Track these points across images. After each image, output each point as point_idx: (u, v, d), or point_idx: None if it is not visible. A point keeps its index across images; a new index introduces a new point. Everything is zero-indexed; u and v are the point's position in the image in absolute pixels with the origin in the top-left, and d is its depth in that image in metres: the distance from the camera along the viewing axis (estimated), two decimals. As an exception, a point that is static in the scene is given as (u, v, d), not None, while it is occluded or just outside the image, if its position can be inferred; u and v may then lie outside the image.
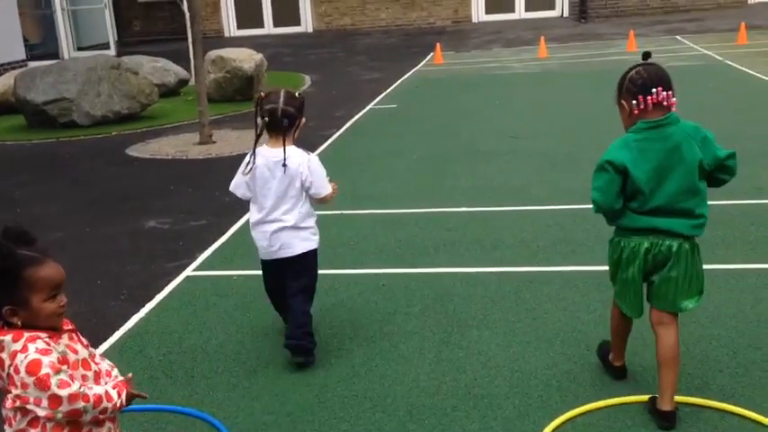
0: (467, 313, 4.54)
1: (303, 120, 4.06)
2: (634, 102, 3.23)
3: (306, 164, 3.98)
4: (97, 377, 2.43)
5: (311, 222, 4.09)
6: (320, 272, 4.28)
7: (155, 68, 13.83)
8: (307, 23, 23.64)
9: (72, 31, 21.25)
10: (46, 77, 11.54)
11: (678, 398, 3.41)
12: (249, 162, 4.00)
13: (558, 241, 5.55)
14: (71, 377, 2.31)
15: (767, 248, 5.22)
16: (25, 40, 18.98)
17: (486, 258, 5.38)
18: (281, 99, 3.93)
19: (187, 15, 12.06)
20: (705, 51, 14.84)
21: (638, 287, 3.36)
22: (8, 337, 2.29)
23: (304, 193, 4.02)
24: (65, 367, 2.30)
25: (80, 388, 2.29)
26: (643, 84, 3.22)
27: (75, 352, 2.39)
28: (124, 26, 24.25)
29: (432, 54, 17.03)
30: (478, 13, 23.03)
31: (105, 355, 4.24)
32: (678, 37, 17.32)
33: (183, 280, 5.40)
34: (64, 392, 2.26)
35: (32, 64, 15.11)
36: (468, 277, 5.08)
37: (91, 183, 8.47)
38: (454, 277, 5.09)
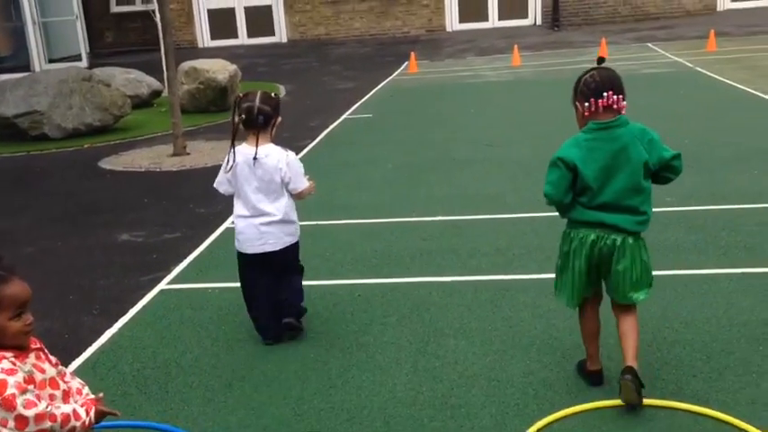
0: (443, 322, 4.54)
1: (279, 119, 4.27)
2: (586, 104, 3.45)
3: (284, 160, 4.19)
4: (66, 396, 2.40)
5: (295, 217, 4.33)
6: None
7: (127, 80, 13.73)
8: (281, 33, 23.60)
9: (43, 43, 21.05)
10: (16, 90, 11.41)
11: (653, 401, 3.45)
12: (229, 160, 4.24)
13: (533, 249, 5.57)
14: (38, 397, 2.28)
15: (739, 253, 5.27)
16: (-5, 53, 18.81)
17: (461, 267, 5.38)
18: (258, 98, 4.15)
19: (159, 26, 12.00)
20: (676, 58, 15.00)
21: (583, 277, 3.56)
22: None
23: (284, 188, 4.24)
24: (31, 387, 2.27)
25: (47, 407, 2.26)
26: (595, 87, 3.44)
27: (43, 371, 2.36)
28: (96, 37, 24.06)
29: (406, 63, 17.08)
30: (452, 22, 23.12)
31: (78, 371, 4.21)
32: (649, 44, 17.50)
33: (158, 293, 5.35)
34: (30, 413, 2.23)
35: (2, 77, 14.93)
36: (444, 286, 5.08)
37: (63, 196, 8.38)
38: (430, 287, 5.09)
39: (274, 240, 4.25)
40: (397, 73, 16.29)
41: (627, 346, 3.54)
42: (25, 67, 19.28)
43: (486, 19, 22.97)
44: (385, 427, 3.51)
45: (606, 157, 3.43)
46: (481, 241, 5.86)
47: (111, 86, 12.06)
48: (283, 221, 4.25)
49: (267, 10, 23.56)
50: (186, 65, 12.90)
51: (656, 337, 4.17)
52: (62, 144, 11.02)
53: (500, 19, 22.88)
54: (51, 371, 2.40)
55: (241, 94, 4.26)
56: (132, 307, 5.12)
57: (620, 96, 3.44)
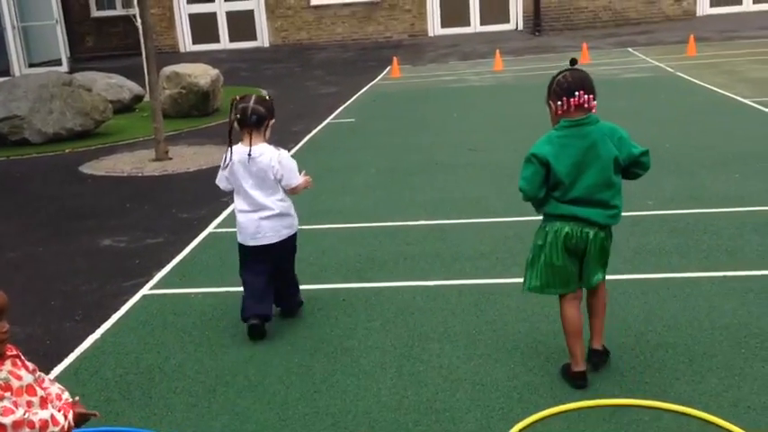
0: (427, 327, 4.54)
1: (273, 120, 4.52)
2: (559, 102, 3.63)
3: (276, 158, 4.43)
4: (44, 402, 2.39)
5: (291, 210, 4.57)
6: None
7: (109, 85, 13.65)
8: (263, 38, 23.57)
9: (23, 47, 20.90)
10: (-4, 95, 11.33)
11: (640, 401, 3.48)
12: (226, 158, 4.51)
13: (516, 253, 5.59)
14: (15, 404, 2.26)
15: (720, 257, 5.31)
16: (-26, 58, 18.66)
17: (445, 271, 5.39)
18: (252, 100, 4.46)
19: (141, 31, 11.96)
20: (656, 63, 15.12)
21: (563, 267, 3.72)
22: None
23: (278, 185, 4.47)
24: (8, 394, 2.26)
25: (24, 414, 2.25)
26: (568, 87, 3.61)
27: (20, 378, 2.34)
28: (77, 42, 23.92)
29: (389, 68, 17.10)
30: (434, 26, 23.19)
31: (60, 377, 4.18)
32: (630, 49, 17.63)
33: (140, 299, 5.32)
34: (7, 420, 2.22)
35: (-18, 81, 14.82)
36: (428, 290, 5.08)
37: (44, 201, 8.32)
38: (414, 291, 5.09)
39: (272, 233, 4.49)
40: (379, 78, 16.32)
41: (596, 327, 3.88)
42: (5, 71, 19.15)
43: (468, 24, 23.06)
44: (370, 432, 3.51)
45: (577, 153, 3.60)
46: (465, 245, 5.87)
47: (93, 91, 11.98)
48: (281, 215, 4.49)
49: (249, 15, 23.53)
50: (168, 69, 12.85)
51: (639, 340, 4.19)
52: (43, 149, 10.94)
53: (482, 24, 22.98)
54: (28, 377, 2.38)
55: (238, 97, 4.51)
56: (115, 312, 5.09)
57: (591, 96, 3.61)
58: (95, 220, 7.39)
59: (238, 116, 4.43)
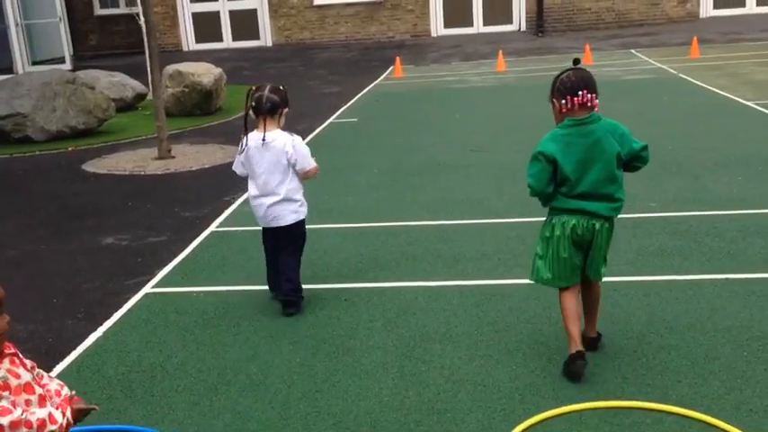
0: (429, 327, 4.54)
1: (287, 109, 4.75)
2: (563, 101, 3.77)
3: (290, 143, 4.66)
4: (42, 400, 2.38)
5: (299, 196, 4.80)
6: None
7: (111, 83, 13.66)
8: (266, 37, 23.57)
9: (26, 45, 20.92)
10: (-1, 92, 11.34)
11: (642, 403, 3.47)
12: (242, 144, 4.75)
13: (519, 254, 5.59)
14: (13, 403, 2.26)
15: (722, 259, 5.31)
16: (-23, 55, 18.67)
17: (447, 272, 5.39)
18: (267, 89, 4.69)
19: (144, 29, 11.96)
20: (659, 65, 15.11)
21: (569, 259, 3.85)
22: None
23: (291, 170, 4.70)
24: (6, 393, 2.25)
25: (22, 414, 2.25)
26: (571, 86, 3.75)
27: (18, 376, 2.34)
28: (80, 40, 23.93)
29: (391, 68, 17.10)
30: (437, 27, 23.18)
31: (62, 374, 4.19)
32: (632, 50, 17.62)
33: (142, 297, 5.32)
34: (5, 420, 2.21)
35: (-15, 78, 14.83)
36: (429, 291, 5.09)
37: (46, 199, 8.33)
38: (416, 291, 5.09)
39: (281, 217, 4.76)
40: (382, 78, 16.31)
41: (591, 320, 4.07)
42: (8, 69, 19.16)
43: (470, 24, 23.05)
44: (371, 432, 3.51)
45: (582, 150, 3.74)
46: (467, 246, 5.87)
47: (96, 89, 11.99)
48: (288, 200, 4.74)
49: (252, 14, 23.54)
50: (171, 68, 12.85)
51: (641, 342, 4.19)
52: (45, 147, 10.94)
53: (485, 24, 22.97)
54: (27, 375, 2.38)
55: (254, 87, 4.75)
56: (117, 310, 5.09)
57: (594, 95, 3.75)
58: (98, 218, 7.40)
59: (253, 104, 4.67)
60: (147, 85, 13.71)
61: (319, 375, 4.06)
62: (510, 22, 22.98)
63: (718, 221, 6.05)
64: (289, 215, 4.78)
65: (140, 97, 14.17)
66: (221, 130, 11.79)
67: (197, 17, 23.74)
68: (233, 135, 11.19)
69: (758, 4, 22.19)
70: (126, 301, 5.24)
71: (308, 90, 15.38)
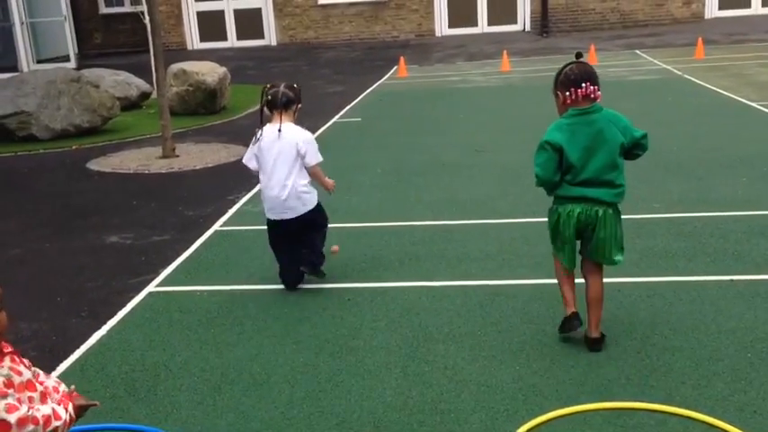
0: (433, 327, 4.54)
1: (300, 105, 5.04)
2: (567, 93, 3.97)
3: (302, 136, 4.95)
4: (43, 397, 2.39)
5: (307, 186, 5.02)
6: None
7: (116, 81, 13.68)
8: (270, 37, 23.58)
9: (31, 43, 20.95)
10: (4, 91, 11.34)
11: (646, 405, 3.47)
12: (257, 136, 5.00)
13: (522, 254, 5.58)
14: (18, 400, 2.26)
15: (727, 260, 5.29)
16: (-17, 53, 18.70)
17: (451, 272, 5.39)
18: (282, 86, 4.98)
19: (149, 28, 11.97)
20: (664, 65, 15.09)
21: (573, 245, 4.08)
22: None
23: (299, 164, 4.94)
24: (11, 391, 2.26)
25: (28, 411, 2.25)
26: (575, 78, 3.96)
27: (20, 374, 2.35)
28: (85, 39, 23.96)
29: (395, 67, 17.09)
30: (441, 26, 23.17)
31: (66, 373, 4.19)
32: (637, 51, 17.59)
33: (146, 296, 5.32)
34: (12, 417, 2.22)
35: (-10, 77, 14.84)
36: (433, 291, 5.08)
37: (51, 197, 8.34)
38: (420, 291, 5.09)
39: (291, 210, 4.98)
40: (386, 77, 16.31)
41: (594, 316, 4.09)
42: (13, 67, 19.19)
43: (475, 24, 23.03)
44: (375, 432, 3.51)
45: (586, 138, 3.93)
46: (471, 246, 5.86)
47: (100, 88, 12.01)
48: (299, 192, 4.95)
49: (257, 13, 23.55)
50: (175, 67, 12.86)
51: (644, 343, 4.18)
52: (50, 145, 10.96)
53: (489, 24, 22.95)
54: (27, 373, 2.39)
55: (269, 85, 5.04)
56: (120, 309, 5.10)
57: (596, 87, 3.96)
58: (101, 216, 7.41)
59: (269, 98, 4.94)
60: (151, 83, 13.70)
61: (323, 375, 4.06)
62: (514, 22, 22.96)
63: (723, 222, 6.04)
64: (299, 207, 4.99)
65: (145, 96, 14.19)
66: (225, 129, 11.80)
67: (201, 16, 23.76)
68: (237, 134, 11.21)
69: (763, 5, 22.14)
70: (130, 300, 5.24)
71: (312, 89, 15.37)
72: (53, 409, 2.33)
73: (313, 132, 10.90)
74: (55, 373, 4.22)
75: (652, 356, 4.03)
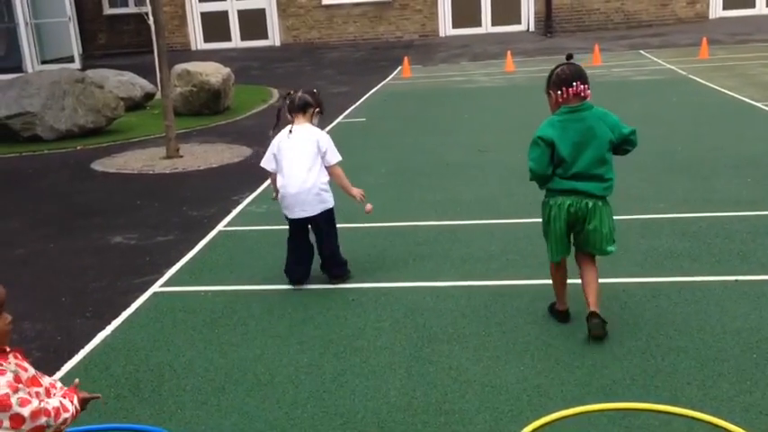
0: (437, 327, 4.54)
1: (317, 109, 5.23)
2: (559, 92, 4.18)
3: (318, 134, 5.11)
4: (48, 392, 2.43)
5: (326, 187, 5.11)
6: (290, 287, 4.65)
7: (120, 82, 13.69)
8: (274, 37, 23.60)
9: (36, 44, 20.99)
10: (8, 91, 11.37)
11: (651, 405, 3.48)
12: (274, 136, 5.17)
13: (526, 255, 5.58)
14: (29, 394, 2.29)
15: (732, 260, 5.28)
16: (-13, 54, 18.74)
17: (455, 272, 5.38)
18: (301, 90, 5.22)
19: (153, 28, 11.98)
20: (668, 66, 15.07)
21: (563, 236, 4.25)
22: None
23: (320, 162, 5.05)
24: (21, 385, 2.28)
25: (39, 404, 2.28)
26: (566, 78, 4.16)
27: (26, 370, 2.39)
28: (89, 39, 24.00)
29: (400, 68, 17.09)
30: (445, 27, 23.16)
31: (70, 373, 4.21)
32: (642, 51, 17.57)
33: (150, 296, 5.33)
34: (26, 410, 2.24)
35: (-5, 77, 14.87)
36: (437, 291, 5.08)
37: (55, 197, 8.35)
38: (424, 291, 5.09)
39: (309, 208, 5.05)
40: (390, 77, 16.31)
41: (590, 293, 4.24)
42: (18, 68, 19.23)
43: (479, 24, 23.03)
44: (379, 432, 3.51)
45: (577, 134, 4.13)
46: (475, 246, 5.86)
47: (104, 88, 12.03)
48: (317, 191, 5.04)
49: (260, 13, 23.56)
50: (179, 67, 12.87)
51: (649, 344, 4.17)
52: (54, 145, 10.97)
53: (493, 25, 22.94)
54: (31, 370, 2.43)
55: (291, 90, 5.29)
56: (125, 309, 5.10)
57: (586, 86, 4.16)
58: (106, 216, 7.41)
59: (287, 102, 5.15)
60: (155, 84, 13.72)
61: (327, 375, 4.05)
62: (518, 22, 22.95)
63: (728, 223, 6.03)
64: (316, 206, 5.07)
65: (149, 96, 14.20)
66: (229, 130, 11.81)
67: (205, 17, 23.78)
68: (241, 134, 11.22)
69: (768, 5, 22.10)
70: (134, 300, 5.25)
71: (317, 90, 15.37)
72: (60, 402, 2.38)
73: (317, 133, 10.91)
74: (59, 374, 4.23)
75: (657, 357, 4.02)
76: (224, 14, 23.70)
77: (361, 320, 4.70)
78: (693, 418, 3.44)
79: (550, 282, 4.57)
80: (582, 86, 4.14)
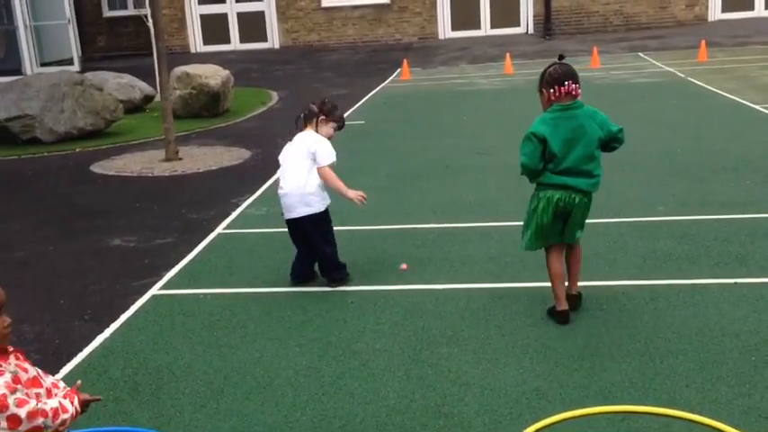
0: (436, 330, 4.54)
1: (323, 117, 5.25)
2: (551, 90, 4.33)
3: (315, 139, 5.15)
4: (49, 393, 2.44)
5: (317, 191, 5.12)
6: (289, 289, 4.63)
7: (120, 84, 13.70)
8: (273, 39, 23.60)
9: (35, 46, 20.98)
10: (8, 94, 11.37)
11: (650, 408, 3.47)
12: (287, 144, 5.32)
13: (526, 257, 5.56)
14: (26, 395, 2.29)
15: (731, 263, 5.28)
16: (-13, 56, 18.74)
17: (454, 275, 5.38)
18: (312, 102, 5.36)
19: (152, 31, 11.99)
20: (667, 68, 15.07)
21: (547, 227, 4.40)
22: None
23: (309, 165, 5.08)
24: (19, 386, 2.29)
25: (37, 405, 2.28)
26: (558, 77, 4.33)
27: (26, 371, 2.39)
28: (88, 42, 23.99)
29: (399, 70, 17.10)
30: (445, 29, 23.17)
31: (69, 376, 4.20)
32: (641, 54, 17.57)
33: (149, 299, 5.33)
34: (23, 411, 2.25)
35: (-6, 80, 14.87)
36: (436, 294, 5.08)
37: (54, 200, 8.35)
38: (423, 294, 5.09)
39: (294, 210, 5.13)
40: (389, 80, 16.31)
41: (574, 277, 4.61)
42: (17, 70, 19.21)
43: (478, 27, 23.03)
44: (378, 435, 3.50)
45: (568, 131, 4.29)
46: (474, 249, 5.86)
47: (104, 91, 12.03)
48: (301, 194, 5.08)
49: (260, 16, 23.56)
50: (179, 70, 12.88)
51: (648, 347, 4.17)
52: (54, 148, 10.97)
53: (492, 27, 22.94)
54: (32, 370, 2.43)
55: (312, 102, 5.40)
56: (124, 312, 5.10)
57: (577, 85, 4.33)
58: (105, 219, 7.41)
59: (301, 114, 5.33)
60: (154, 86, 13.72)
61: (326, 378, 4.05)
62: (517, 24, 22.96)
63: (727, 225, 6.03)
64: (300, 208, 5.11)
65: (148, 99, 14.20)
66: (228, 132, 11.81)
67: (205, 19, 23.78)
68: (240, 137, 11.22)
69: (767, 8, 22.11)
70: (133, 303, 5.25)
71: (315, 92, 15.38)
72: (60, 403, 2.38)
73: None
74: (58, 376, 4.21)
75: (655, 359, 4.02)
76: (223, 17, 23.71)
77: (361, 323, 4.70)
78: (692, 420, 3.45)
79: (549, 284, 4.57)
80: (573, 85, 4.31)
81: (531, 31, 22.69)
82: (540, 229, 4.42)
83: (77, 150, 10.85)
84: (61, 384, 2.55)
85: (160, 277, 5.71)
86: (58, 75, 12.00)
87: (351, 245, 6.11)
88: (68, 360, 4.45)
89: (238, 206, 7.47)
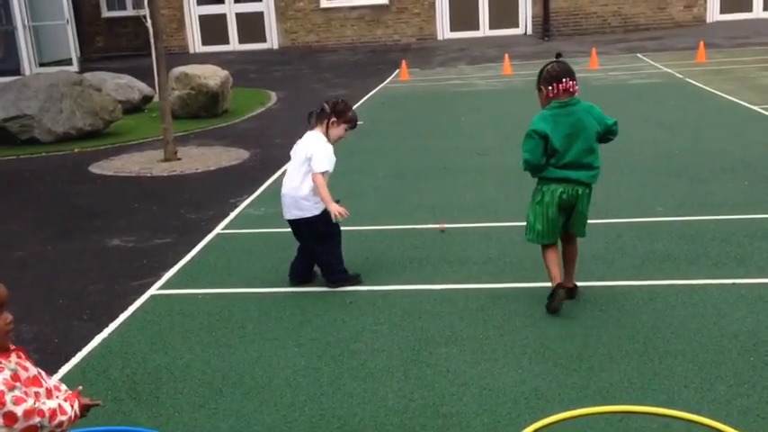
0: (435, 330, 4.54)
1: (334, 119, 5.15)
2: (550, 87, 4.49)
3: (314, 141, 5.07)
4: (49, 393, 2.43)
5: (308, 195, 5.06)
6: (288, 289, 4.60)
7: (118, 85, 13.69)
8: (272, 40, 23.60)
9: (33, 47, 20.96)
10: (6, 94, 11.36)
11: (648, 408, 3.47)
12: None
13: (524, 258, 5.58)
14: (25, 394, 2.29)
15: (730, 264, 5.29)
16: (-15, 57, 18.72)
17: (453, 275, 5.39)
18: (325, 101, 5.25)
19: (151, 31, 11.99)
20: (665, 69, 15.09)
21: (555, 221, 4.56)
22: None
23: (306, 168, 5.02)
24: (18, 384, 2.29)
25: (35, 404, 2.28)
26: (556, 75, 4.48)
27: (26, 369, 2.39)
28: (87, 42, 23.98)
29: (397, 71, 17.10)
30: (443, 30, 23.18)
31: (68, 376, 4.20)
32: (639, 55, 17.59)
33: (148, 299, 5.32)
34: (19, 409, 2.25)
35: (-7, 80, 14.85)
36: (435, 294, 5.08)
37: (53, 200, 8.35)
38: (421, 294, 5.09)
39: (287, 211, 5.17)
40: (388, 81, 16.32)
41: (570, 270, 4.74)
42: (15, 70, 19.20)
43: (476, 28, 23.03)
44: (376, 435, 3.51)
45: (567, 127, 4.45)
46: (472, 249, 5.86)
47: (102, 91, 12.02)
48: (296, 197, 5.08)
49: (258, 16, 23.56)
50: (177, 70, 12.87)
51: (647, 347, 4.18)
52: (52, 148, 10.96)
53: (491, 28, 22.95)
54: (33, 369, 2.43)
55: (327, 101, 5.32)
56: (122, 312, 5.10)
57: (574, 82, 4.49)
58: (104, 219, 7.41)
59: (315, 111, 5.25)
60: (153, 87, 13.71)
61: (324, 378, 4.05)
62: (516, 25, 22.97)
63: (725, 226, 6.03)
64: (293, 210, 5.13)
65: (147, 99, 14.20)
66: (227, 133, 11.81)
67: (203, 20, 23.78)
68: (239, 137, 11.22)
69: (765, 9, 22.12)
70: (131, 303, 5.24)
71: (313, 93, 15.39)
72: (59, 404, 2.38)
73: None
74: (57, 376, 4.22)
75: (654, 360, 4.03)
76: (222, 17, 23.70)
77: (359, 323, 4.70)
78: (691, 420, 3.45)
79: (548, 284, 4.58)
80: (571, 82, 4.47)
81: (529, 32, 22.70)
82: (546, 221, 4.56)
83: (76, 151, 10.85)
84: (63, 388, 2.56)
85: (159, 277, 5.71)
86: (57, 75, 11.99)
87: (349, 245, 6.10)
88: (67, 360, 4.44)
89: (237, 206, 7.47)
